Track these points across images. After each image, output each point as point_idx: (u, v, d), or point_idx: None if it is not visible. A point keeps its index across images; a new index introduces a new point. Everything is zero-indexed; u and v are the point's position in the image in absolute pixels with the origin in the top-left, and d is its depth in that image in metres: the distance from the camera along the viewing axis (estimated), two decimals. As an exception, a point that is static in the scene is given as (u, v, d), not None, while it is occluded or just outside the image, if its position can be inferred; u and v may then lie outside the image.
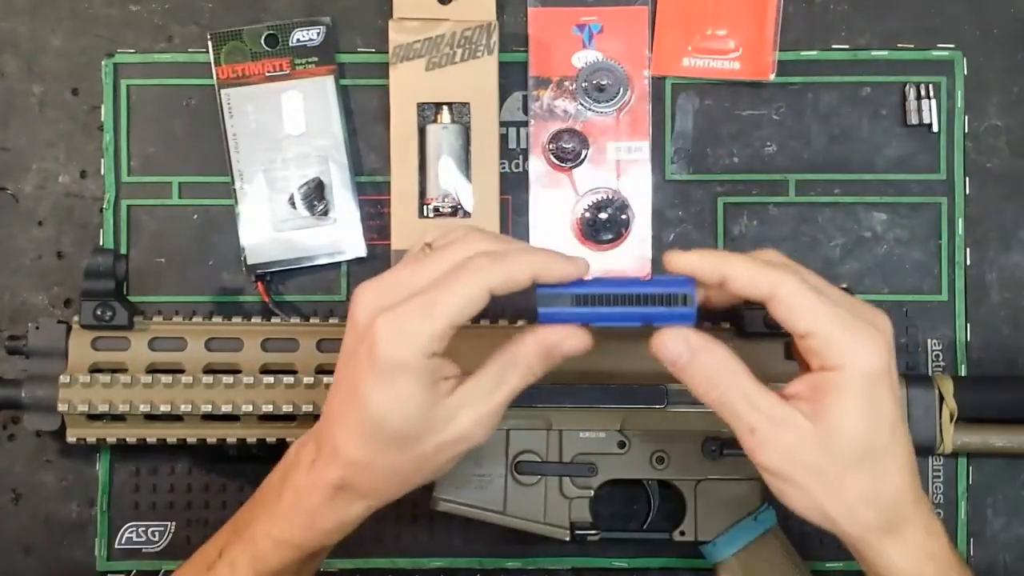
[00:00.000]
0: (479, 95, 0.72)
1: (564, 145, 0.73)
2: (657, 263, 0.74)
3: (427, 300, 0.52)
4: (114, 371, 0.66)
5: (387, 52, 0.72)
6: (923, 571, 0.55)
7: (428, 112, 0.73)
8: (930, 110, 0.74)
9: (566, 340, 0.55)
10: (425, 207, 0.72)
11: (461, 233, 0.55)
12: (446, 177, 0.72)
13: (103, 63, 0.75)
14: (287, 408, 0.66)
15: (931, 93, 0.74)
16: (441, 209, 0.72)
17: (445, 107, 0.72)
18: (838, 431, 0.53)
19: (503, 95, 0.74)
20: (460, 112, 0.73)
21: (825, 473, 0.54)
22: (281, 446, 0.67)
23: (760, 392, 0.54)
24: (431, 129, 0.72)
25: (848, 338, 0.53)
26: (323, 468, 0.55)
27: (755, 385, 0.55)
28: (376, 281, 0.54)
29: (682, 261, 0.54)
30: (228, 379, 0.66)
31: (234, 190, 0.73)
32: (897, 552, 0.55)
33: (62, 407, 0.66)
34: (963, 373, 0.74)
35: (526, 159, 0.74)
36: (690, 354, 0.54)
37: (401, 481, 0.56)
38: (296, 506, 0.57)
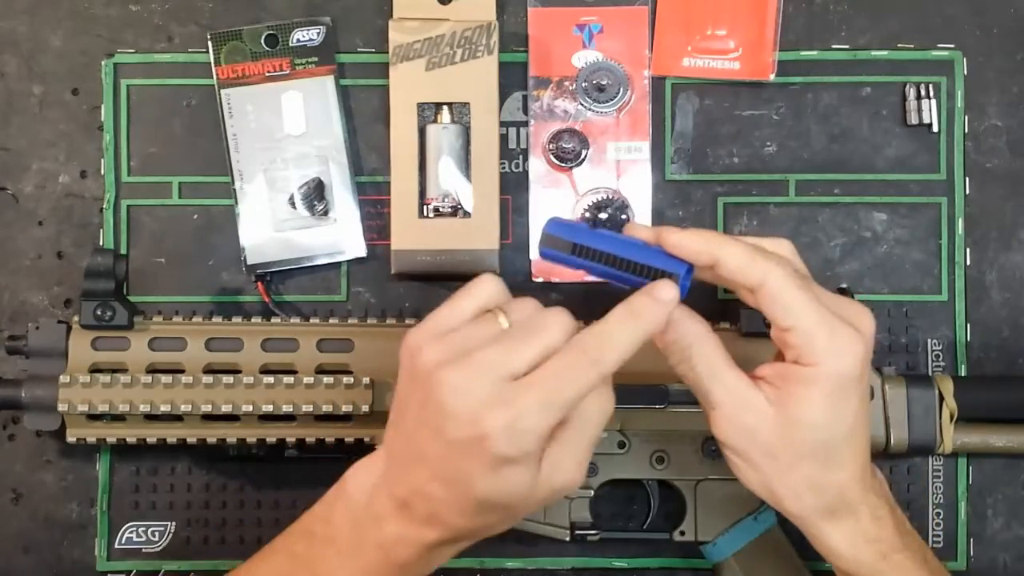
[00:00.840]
0: (479, 95, 0.72)
1: (564, 145, 0.73)
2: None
3: (545, 394, 0.50)
4: (114, 371, 0.66)
5: (387, 52, 0.72)
6: (861, 554, 0.57)
7: (428, 112, 0.72)
8: (930, 110, 0.74)
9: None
10: (425, 207, 0.72)
11: (548, 317, 0.53)
12: (446, 177, 0.72)
13: (103, 63, 0.75)
14: (287, 408, 0.66)
15: (931, 93, 0.74)
16: (441, 209, 0.72)
17: (445, 107, 0.72)
18: (798, 422, 0.55)
19: (503, 95, 0.74)
20: (460, 112, 0.72)
21: (777, 457, 0.56)
22: (281, 446, 0.67)
23: (729, 370, 0.56)
24: (431, 129, 0.72)
25: (826, 339, 0.54)
26: (420, 529, 0.53)
27: (725, 363, 0.56)
28: (473, 372, 0.50)
29: (675, 239, 0.55)
30: (228, 379, 0.66)
31: (234, 190, 0.73)
32: (837, 535, 0.57)
33: (62, 407, 0.66)
34: (963, 373, 0.74)
35: (526, 159, 0.74)
36: (667, 323, 0.55)
37: (498, 527, 0.55)
38: (384, 561, 0.54)
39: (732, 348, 0.67)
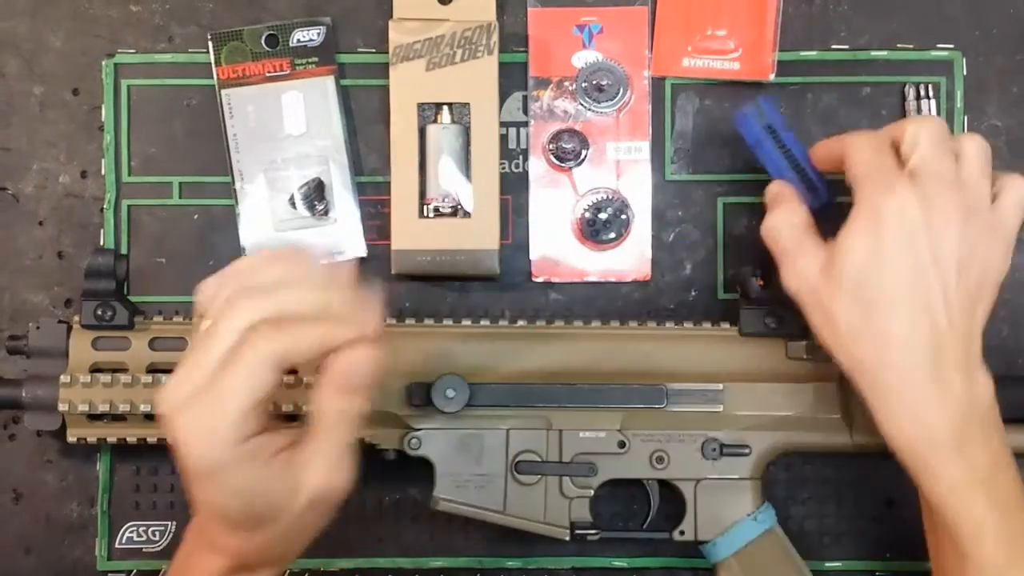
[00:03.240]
0: (479, 95, 0.72)
1: (564, 145, 0.73)
2: (657, 263, 0.74)
3: (214, 393, 0.49)
4: (115, 371, 0.66)
5: (387, 52, 0.72)
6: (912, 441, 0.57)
7: (428, 112, 0.72)
8: (930, 110, 0.74)
9: (352, 364, 0.52)
10: (425, 207, 0.72)
11: (234, 292, 0.51)
12: (446, 177, 0.72)
13: (103, 63, 0.75)
14: (287, 408, 0.66)
15: (931, 93, 0.75)
16: (441, 209, 0.72)
17: (445, 107, 0.72)
18: (838, 253, 0.58)
19: (503, 95, 0.74)
20: (460, 112, 0.72)
21: (821, 297, 0.58)
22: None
23: (804, 226, 0.61)
24: (431, 129, 0.72)
25: (875, 174, 0.58)
26: (211, 557, 0.55)
27: (804, 221, 0.61)
28: (171, 382, 0.51)
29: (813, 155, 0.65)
30: (228, 379, 0.66)
31: (234, 190, 0.74)
32: (882, 412, 0.58)
33: (63, 407, 0.66)
34: (963, 373, 0.74)
35: (526, 159, 0.74)
36: (774, 200, 0.63)
37: (288, 548, 0.56)
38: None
39: (732, 348, 0.68)
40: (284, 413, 0.66)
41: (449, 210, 0.72)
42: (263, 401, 0.50)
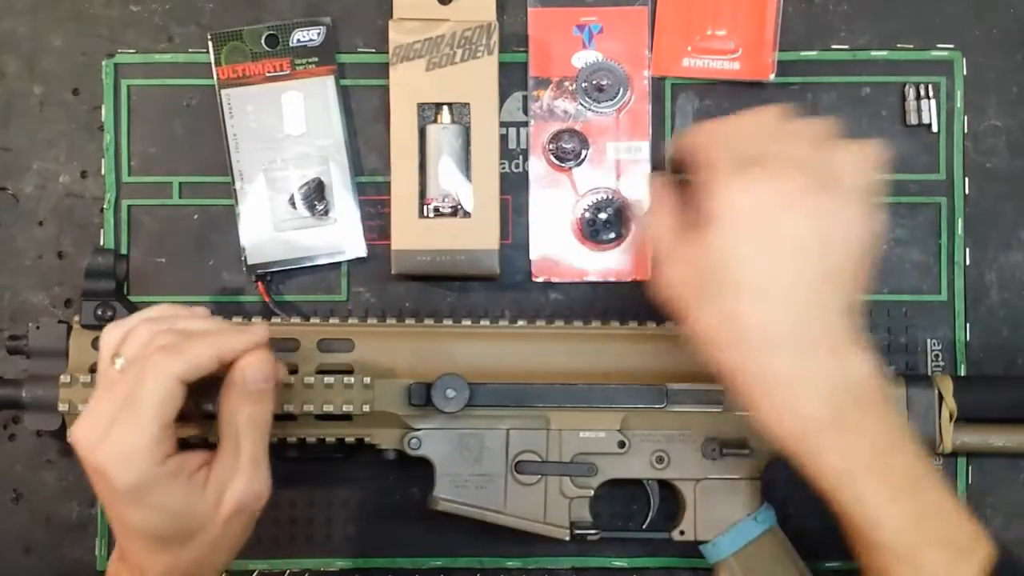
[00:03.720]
0: (479, 95, 0.72)
1: (564, 145, 0.73)
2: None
3: (128, 414, 0.54)
4: (114, 371, 0.66)
5: (387, 52, 0.72)
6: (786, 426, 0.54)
7: (428, 112, 0.72)
8: (930, 110, 0.74)
9: (248, 367, 0.57)
10: (425, 207, 0.72)
11: (135, 327, 0.58)
12: (446, 177, 0.72)
13: (103, 63, 0.75)
14: (288, 408, 0.66)
15: (931, 93, 0.75)
16: (441, 209, 0.72)
17: (445, 107, 0.72)
18: (700, 254, 0.55)
19: (503, 95, 0.74)
20: (460, 112, 0.72)
21: (689, 300, 0.55)
22: (281, 446, 0.67)
23: (675, 222, 0.57)
24: (431, 129, 0.72)
25: (724, 168, 0.55)
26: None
27: (678, 219, 0.57)
28: (84, 418, 0.56)
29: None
30: (228, 379, 0.66)
31: (234, 190, 0.74)
32: (762, 399, 0.55)
33: (63, 407, 0.65)
34: (963, 373, 0.74)
35: (526, 159, 0.74)
36: (653, 197, 0.59)
37: (216, 559, 0.58)
38: None
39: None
40: (285, 413, 0.66)
41: (449, 210, 0.72)
42: (173, 416, 0.54)
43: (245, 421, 0.57)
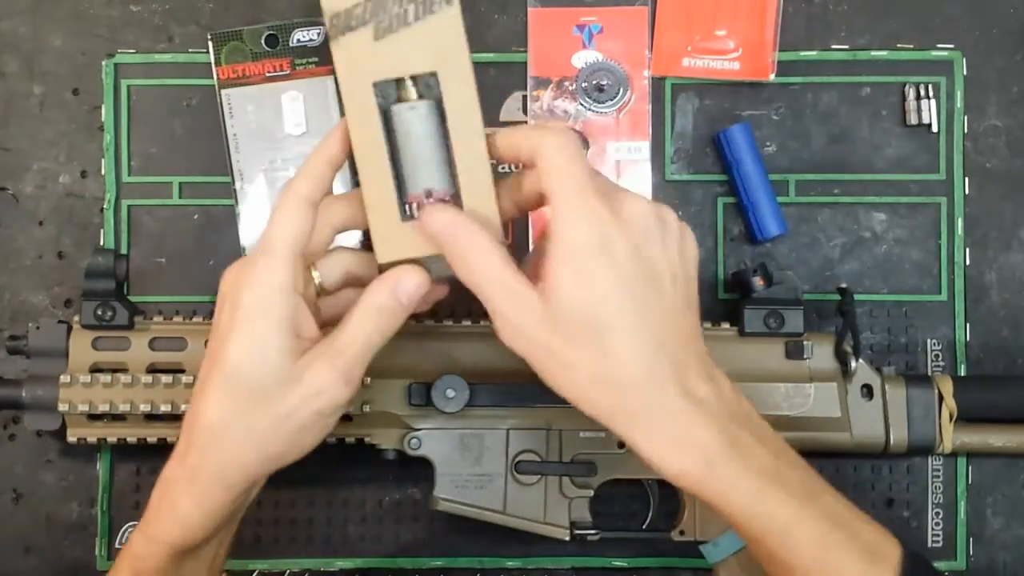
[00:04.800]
0: (446, 60, 0.55)
1: (564, 145, 0.73)
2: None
3: (263, 241, 0.55)
4: (115, 371, 0.66)
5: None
6: (682, 462, 0.52)
7: (388, 91, 0.56)
8: (929, 110, 0.74)
9: (403, 278, 0.56)
10: (407, 207, 0.57)
11: None
12: (426, 166, 0.56)
13: (103, 63, 0.75)
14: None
15: (931, 93, 0.75)
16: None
17: (408, 81, 0.55)
18: (555, 298, 0.51)
19: (503, 95, 0.73)
20: (427, 84, 0.55)
21: (552, 349, 0.52)
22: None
23: (507, 273, 0.53)
24: (396, 111, 0.56)
25: (564, 204, 0.52)
26: (184, 452, 0.55)
27: (506, 267, 0.53)
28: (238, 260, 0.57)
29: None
30: (228, 379, 0.66)
31: (234, 190, 0.74)
32: (644, 441, 0.52)
33: (63, 407, 0.66)
34: (962, 373, 0.74)
35: (526, 159, 0.74)
36: (452, 230, 0.54)
37: (259, 450, 0.54)
38: (163, 499, 0.56)
39: (732, 348, 0.68)
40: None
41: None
42: (303, 241, 0.55)
43: (376, 306, 0.55)
